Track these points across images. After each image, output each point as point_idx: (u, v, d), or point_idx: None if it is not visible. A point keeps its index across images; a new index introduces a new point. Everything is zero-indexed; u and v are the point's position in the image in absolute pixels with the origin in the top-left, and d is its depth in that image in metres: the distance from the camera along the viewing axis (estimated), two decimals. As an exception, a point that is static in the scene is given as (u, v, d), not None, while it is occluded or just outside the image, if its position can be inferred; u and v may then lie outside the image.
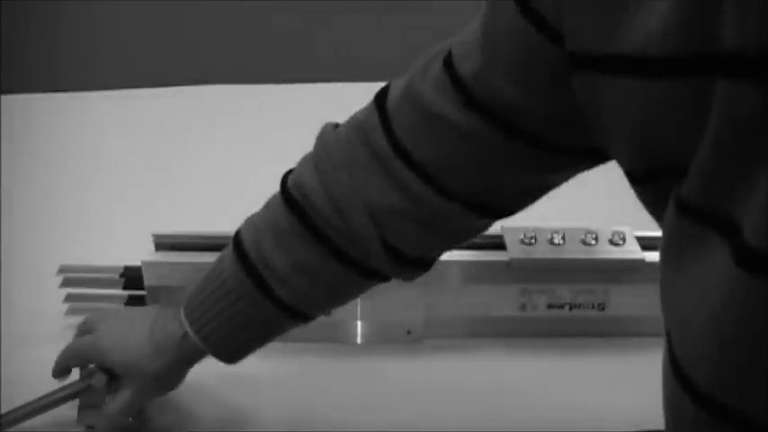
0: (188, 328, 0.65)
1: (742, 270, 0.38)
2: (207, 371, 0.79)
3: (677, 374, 0.44)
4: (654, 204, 0.48)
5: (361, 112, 0.60)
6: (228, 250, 0.64)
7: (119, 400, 0.68)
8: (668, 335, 0.45)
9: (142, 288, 0.81)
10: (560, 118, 0.50)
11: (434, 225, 0.59)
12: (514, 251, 0.80)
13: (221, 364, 0.80)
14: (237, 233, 0.64)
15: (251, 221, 0.64)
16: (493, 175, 0.56)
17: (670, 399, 0.45)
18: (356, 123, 0.59)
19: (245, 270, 0.62)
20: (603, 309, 0.83)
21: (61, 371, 0.71)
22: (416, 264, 0.62)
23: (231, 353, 0.67)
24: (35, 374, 0.78)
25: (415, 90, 0.55)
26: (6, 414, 0.69)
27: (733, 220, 0.39)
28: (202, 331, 0.65)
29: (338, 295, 0.66)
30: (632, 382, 0.79)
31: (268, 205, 0.63)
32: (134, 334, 0.67)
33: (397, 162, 0.56)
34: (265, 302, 0.63)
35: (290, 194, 0.60)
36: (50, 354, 0.80)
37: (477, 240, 0.81)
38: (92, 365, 0.70)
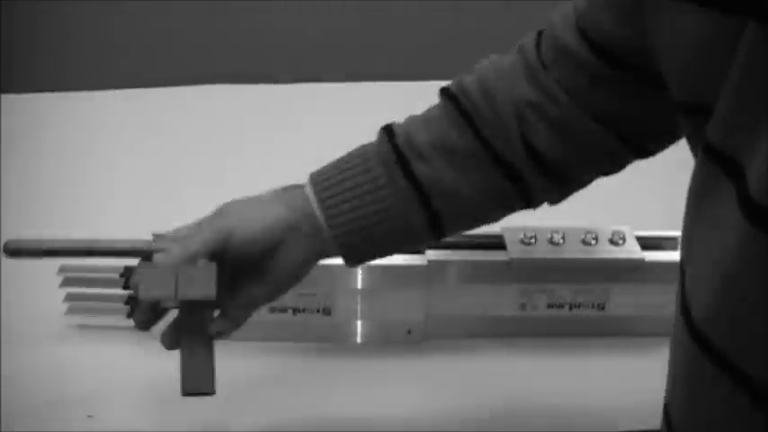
0: (309, 191, 0.62)
1: (745, 220, 0.39)
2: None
3: (684, 311, 0.45)
4: (691, 140, 0.50)
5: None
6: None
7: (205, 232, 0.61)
8: (682, 274, 0.47)
9: (142, 288, 0.80)
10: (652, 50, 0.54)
11: (572, 135, 0.61)
12: (514, 251, 0.80)
13: (220, 364, 0.80)
14: (387, 124, 0.65)
15: (403, 121, 0.65)
16: (614, 104, 0.60)
17: (677, 349, 0.47)
18: (518, 44, 0.65)
19: (389, 143, 0.62)
20: (603, 309, 0.83)
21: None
22: (555, 176, 0.63)
23: (348, 234, 0.62)
24: (35, 374, 0.78)
25: (553, 24, 0.62)
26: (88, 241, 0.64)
27: (743, 167, 0.40)
28: (323, 193, 0.62)
29: (478, 195, 0.63)
30: (632, 382, 0.79)
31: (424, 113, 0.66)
32: (256, 201, 0.63)
33: (544, 74, 0.61)
34: (402, 182, 0.61)
35: (449, 89, 0.64)
36: (50, 354, 0.81)
37: (477, 240, 0.81)
38: None
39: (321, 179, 0.63)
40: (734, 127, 0.41)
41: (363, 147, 0.64)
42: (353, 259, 0.65)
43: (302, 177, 0.65)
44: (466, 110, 0.62)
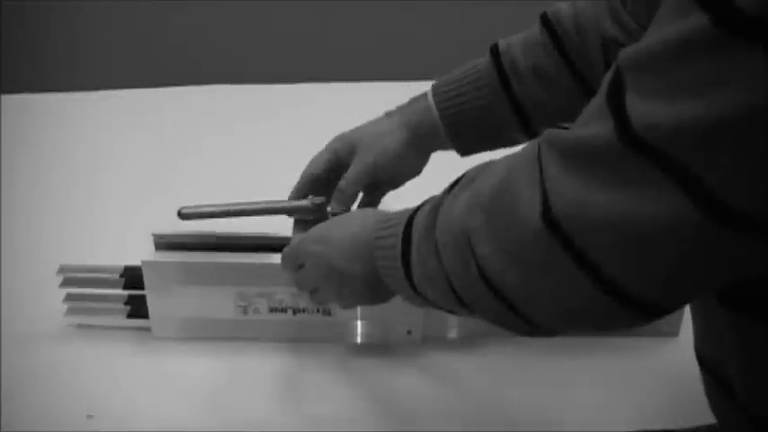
0: (431, 100, 0.76)
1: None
2: (206, 370, 0.79)
3: None
4: None
5: None
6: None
7: (352, 169, 0.77)
8: None
9: (142, 288, 0.81)
10: None
11: None
12: (514, 251, 0.79)
13: (221, 364, 0.80)
14: (495, 43, 0.77)
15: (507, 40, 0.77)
16: None
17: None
18: None
19: (495, 65, 0.75)
20: (603, 309, 0.83)
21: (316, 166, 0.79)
22: None
23: (460, 133, 0.77)
24: (35, 374, 0.78)
25: None
26: (233, 204, 0.77)
27: None
28: (442, 103, 0.76)
29: (565, 110, 0.72)
30: (632, 382, 0.79)
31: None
32: (381, 120, 0.79)
33: (623, 12, 0.68)
34: (503, 96, 0.75)
35: (546, 16, 0.74)
36: (50, 354, 0.81)
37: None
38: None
39: (441, 91, 0.77)
40: None
41: (477, 66, 0.76)
42: (463, 148, 0.79)
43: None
44: (560, 39, 0.73)
